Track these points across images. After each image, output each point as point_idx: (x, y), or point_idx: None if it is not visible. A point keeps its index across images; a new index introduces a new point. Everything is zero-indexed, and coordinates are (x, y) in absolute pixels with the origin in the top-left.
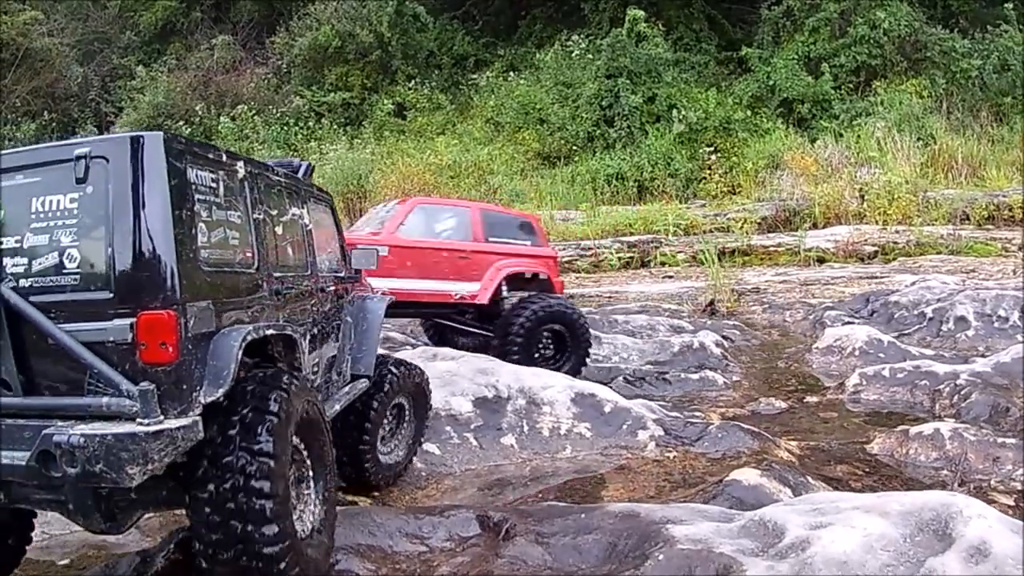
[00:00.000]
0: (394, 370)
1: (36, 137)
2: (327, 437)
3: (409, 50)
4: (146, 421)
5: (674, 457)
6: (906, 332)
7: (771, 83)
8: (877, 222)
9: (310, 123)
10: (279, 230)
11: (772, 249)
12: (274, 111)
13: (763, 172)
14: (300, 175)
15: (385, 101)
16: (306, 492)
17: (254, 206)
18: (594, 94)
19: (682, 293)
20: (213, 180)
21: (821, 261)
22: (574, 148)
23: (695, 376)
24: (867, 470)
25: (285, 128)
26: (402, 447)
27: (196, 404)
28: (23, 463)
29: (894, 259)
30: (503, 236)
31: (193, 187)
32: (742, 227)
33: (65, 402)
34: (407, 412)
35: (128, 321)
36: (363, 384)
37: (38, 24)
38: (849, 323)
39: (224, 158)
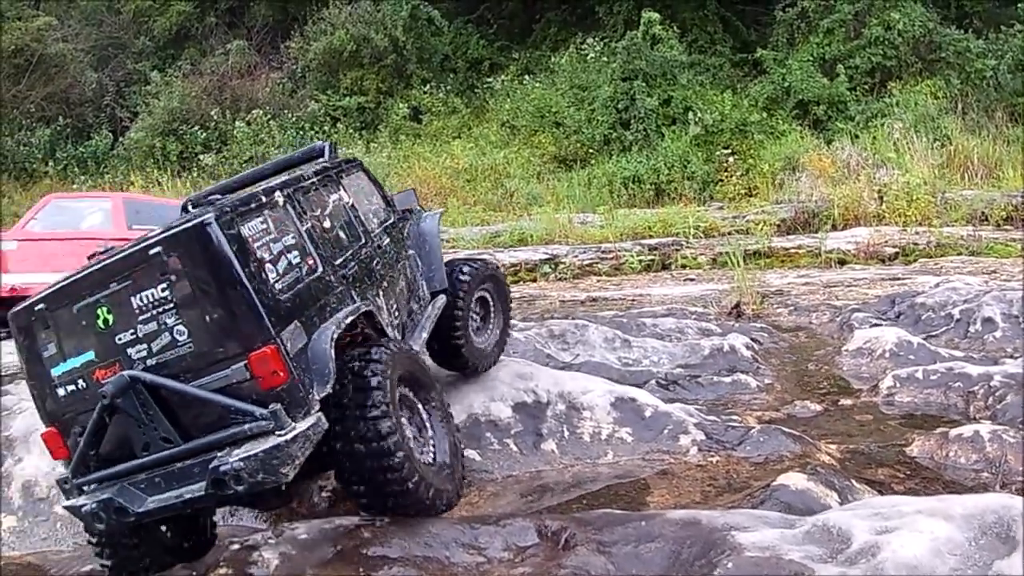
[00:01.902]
0: (464, 270)
1: (50, 142)
2: (429, 379)
3: (424, 54)
4: (283, 432)
5: (717, 462)
6: (933, 334)
7: (786, 85)
8: (896, 223)
9: (325, 127)
10: (327, 223)
11: (793, 251)
12: (289, 115)
13: (780, 174)
14: (326, 157)
15: (400, 105)
16: (426, 432)
17: (301, 219)
18: (610, 97)
19: (706, 296)
20: (262, 223)
21: (842, 263)
22: (590, 151)
23: (727, 379)
24: (908, 473)
25: (300, 132)
26: (496, 331)
27: (314, 402)
28: (201, 492)
29: (915, 260)
30: (150, 223)
31: (251, 240)
32: (761, 229)
33: (217, 437)
34: (491, 301)
35: (242, 363)
36: (442, 299)
37: (52, 29)
38: (876, 325)
39: (264, 199)
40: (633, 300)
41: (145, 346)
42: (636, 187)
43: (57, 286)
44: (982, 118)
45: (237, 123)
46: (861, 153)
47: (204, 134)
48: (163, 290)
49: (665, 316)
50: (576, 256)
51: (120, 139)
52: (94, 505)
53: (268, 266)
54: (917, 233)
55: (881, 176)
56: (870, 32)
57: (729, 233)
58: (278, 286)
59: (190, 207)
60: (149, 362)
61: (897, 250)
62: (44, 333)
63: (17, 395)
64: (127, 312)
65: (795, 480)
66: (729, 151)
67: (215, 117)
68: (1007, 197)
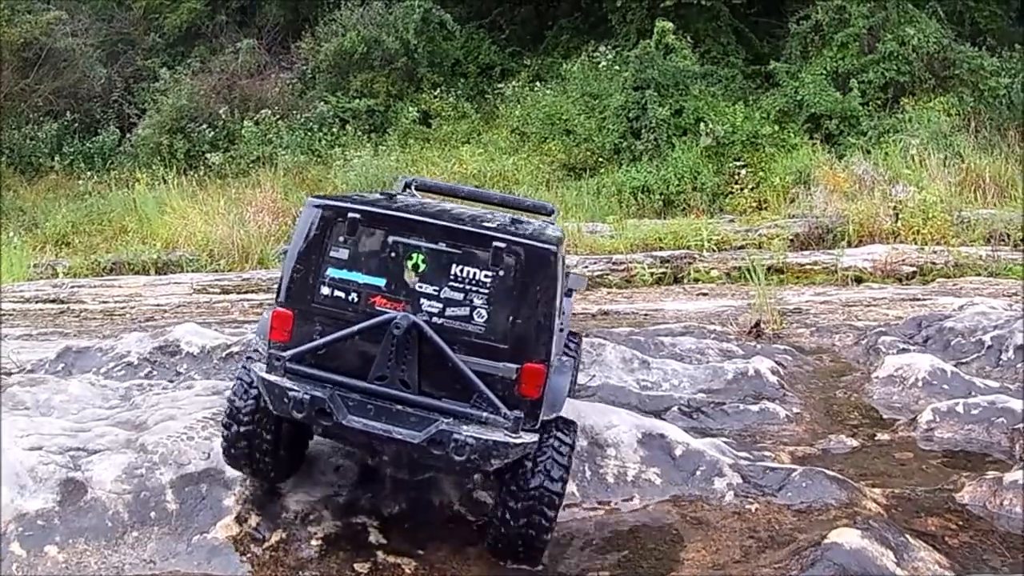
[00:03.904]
0: (570, 346)
1: (57, 137)
2: None
3: (435, 58)
4: (513, 435)
5: (756, 510)
6: (964, 360)
7: (799, 98)
8: (912, 241)
9: (334, 129)
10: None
11: (808, 267)
12: (298, 116)
13: (792, 188)
14: (552, 219)
15: (410, 109)
16: None
17: (563, 278)
18: (621, 105)
19: (722, 312)
20: (564, 268)
21: (859, 280)
22: (600, 160)
23: (755, 408)
24: (960, 523)
25: (309, 134)
26: None
27: (539, 422)
28: (414, 441)
29: (933, 280)
30: None
31: (560, 278)
32: (776, 244)
33: (452, 407)
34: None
35: (515, 366)
36: None
37: (62, 24)
38: (904, 350)
39: (560, 252)
40: (646, 315)
41: (440, 306)
42: (645, 197)
43: (388, 211)
44: (995, 136)
45: (245, 122)
46: (876, 169)
47: (212, 133)
48: (486, 276)
49: (683, 335)
50: (586, 267)
51: (127, 135)
52: (304, 394)
53: (558, 302)
54: (935, 252)
55: (897, 193)
56: (884, 47)
57: (743, 247)
58: (557, 323)
59: (413, 187)
60: (435, 320)
61: (915, 269)
62: (343, 237)
63: None
64: (441, 272)
65: (848, 538)
66: (742, 164)
67: (223, 116)
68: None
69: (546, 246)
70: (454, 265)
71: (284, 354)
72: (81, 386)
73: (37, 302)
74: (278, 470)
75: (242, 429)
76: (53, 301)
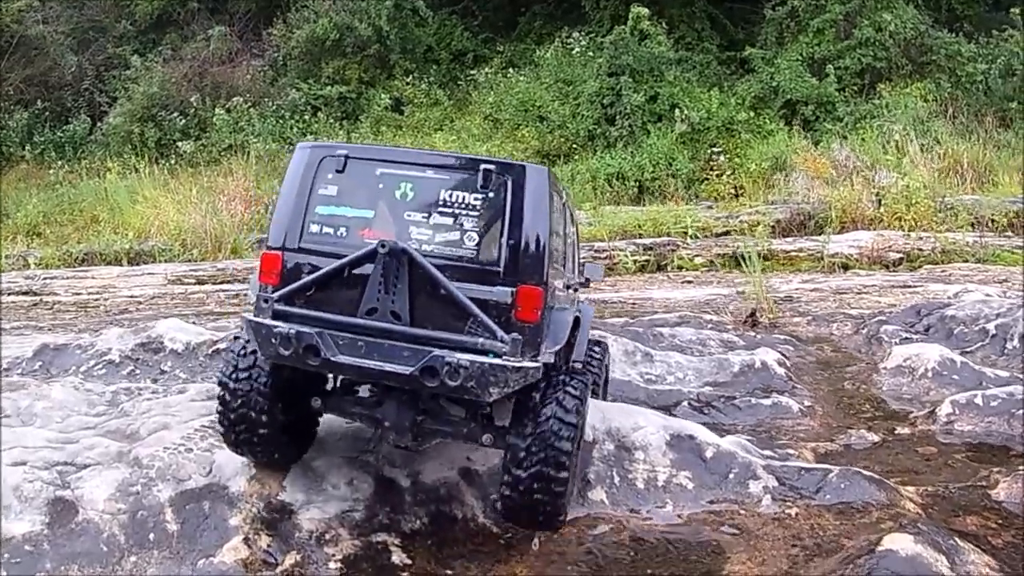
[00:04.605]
0: (596, 350)
1: (28, 126)
2: None
3: (407, 44)
4: (512, 359)
5: (796, 514)
6: (968, 350)
7: (774, 84)
8: (893, 227)
9: (306, 116)
10: (570, 242)
11: (793, 254)
12: (270, 104)
13: (770, 174)
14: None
15: (382, 95)
16: None
17: (567, 223)
18: (596, 92)
19: (710, 301)
20: (561, 204)
21: (845, 267)
22: (574, 146)
23: (766, 402)
24: (1000, 522)
25: (281, 121)
26: None
27: (540, 354)
28: (406, 372)
29: (920, 267)
30: None
31: (554, 207)
32: (760, 231)
33: (446, 336)
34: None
35: (510, 289)
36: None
37: (33, 11)
38: (907, 339)
39: (562, 192)
40: (634, 304)
41: (430, 233)
42: (620, 184)
43: (371, 149)
44: (972, 123)
45: (217, 110)
46: (859, 155)
47: (183, 121)
48: (476, 199)
49: (680, 325)
50: None
51: (98, 124)
52: (291, 330)
53: (555, 233)
54: (921, 239)
55: (880, 179)
56: (861, 33)
57: (724, 233)
58: (555, 255)
59: None
60: (425, 247)
61: (901, 255)
62: (332, 174)
63: None
64: (429, 199)
65: (902, 544)
66: (720, 150)
67: (195, 104)
68: (1007, 203)
69: (538, 167)
70: (443, 191)
71: (272, 295)
72: (64, 391)
73: (10, 294)
74: (282, 452)
75: (238, 403)
76: (26, 293)
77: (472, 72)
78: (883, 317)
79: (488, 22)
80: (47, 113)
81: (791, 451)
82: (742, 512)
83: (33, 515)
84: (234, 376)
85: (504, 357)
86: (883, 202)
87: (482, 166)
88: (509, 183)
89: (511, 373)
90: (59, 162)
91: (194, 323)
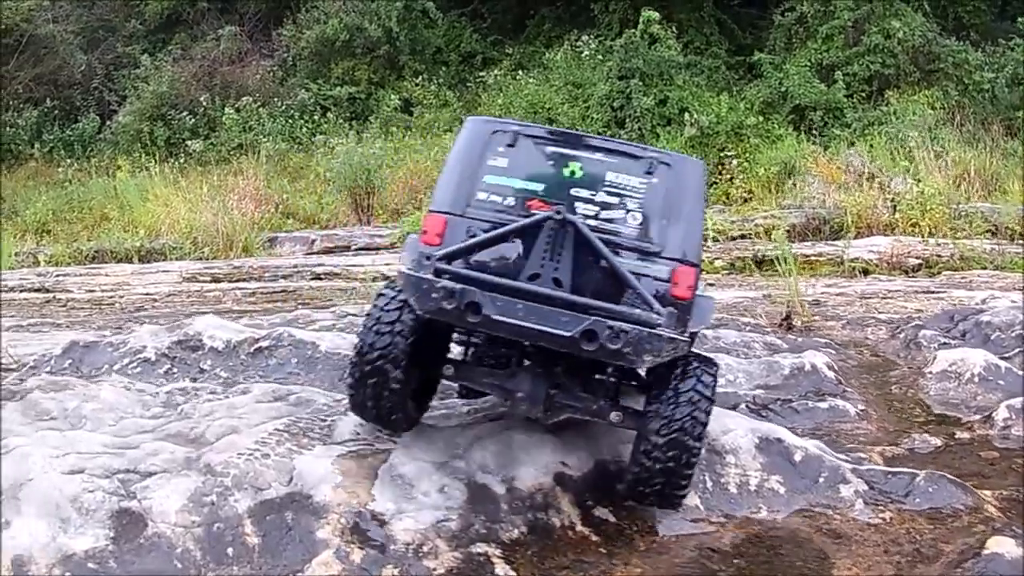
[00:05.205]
0: None
1: (37, 124)
2: None
3: (417, 46)
4: (667, 331)
5: (890, 519)
6: (1006, 356)
7: (783, 89)
8: (908, 233)
9: (315, 116)
10: None
11: (813, 258)
12: (279, 104)
13: (781, 179)
14: None
15: (392, 96)
16: None
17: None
18: (605, 95)
19: (737, 304)
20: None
21: (865, 272)
22: None
23: (823, 405)
24: None
25: (290, 121)
26: None
27: (687, 331)
28: (567, 335)
29: (939, 273)
30: None
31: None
32: (776, 235)
33: (605, 305)
34: None
35: (669, 267)
36: None
37: (42, 10)
38: (946, 344)
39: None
40: None
41: (596, 209)
42: None
43: (542, 129)
44: (979, 131)
45: (226, 110)
46: (873, 161)
47: (192, 120)
48: (641, 183)
49: (720, 327)
50: None
51: (108, 123)
52: (456, 286)
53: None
54: (939, 245)
55: (895, 185)
56: (869, 40)
57: (740, 237)
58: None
59: None
60: (589, 222)
61: (920, 261)
62: (503, 148)
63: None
64: (596, 178)
65: (1007, 547)
66: (732, 154)
67: (204, 103)
68: (1018, 211)
69: (698, 160)
70: (610, 172)
71: (435, 253)
72: (115, 391)
73: (22, 291)
74: (403, 415)
75: (376, 355)
76: (38, 290)
77: (481, 74)
78: (919, 322)
79: (497, 24)
80: (56, 112)
81: (861, 455)
82: (836, 517)
83: (96, 529)
84: (376, 328)
85: (661, 329)
86: (898, 208)
87: (649, 153)
88: (672, 171)
89: (665, 343)
90: (68, 160)
91: (233, 318)
